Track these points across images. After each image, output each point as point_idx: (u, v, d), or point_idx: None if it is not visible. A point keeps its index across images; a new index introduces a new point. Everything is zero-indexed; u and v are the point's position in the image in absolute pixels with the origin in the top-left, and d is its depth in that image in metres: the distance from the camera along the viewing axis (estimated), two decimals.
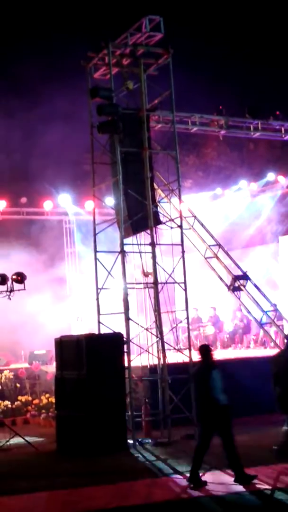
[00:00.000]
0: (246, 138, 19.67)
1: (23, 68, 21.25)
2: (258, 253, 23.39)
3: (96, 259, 14.56)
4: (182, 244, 14.55)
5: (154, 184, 14.86)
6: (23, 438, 13.00)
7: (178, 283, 14.51)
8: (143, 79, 14.52)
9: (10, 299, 13.71)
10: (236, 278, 16.16)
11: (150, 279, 14.37)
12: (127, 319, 13.65)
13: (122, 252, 13.92)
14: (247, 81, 24.13)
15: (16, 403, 16.55)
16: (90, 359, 12.50)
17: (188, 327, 14.92)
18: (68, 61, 18.22)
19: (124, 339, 13.17)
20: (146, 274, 14.77)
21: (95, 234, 14.82)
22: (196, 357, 14.71)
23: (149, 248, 14.29)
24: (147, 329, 14.53)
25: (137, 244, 14.71)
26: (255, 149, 22.74)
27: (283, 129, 19.03)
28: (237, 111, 18.65)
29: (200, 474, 9.71)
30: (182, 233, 14.67)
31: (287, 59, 24.18)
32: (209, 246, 16.59)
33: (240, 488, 9.23)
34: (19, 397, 16.78)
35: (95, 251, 14.66)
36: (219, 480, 9.71)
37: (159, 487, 9.47)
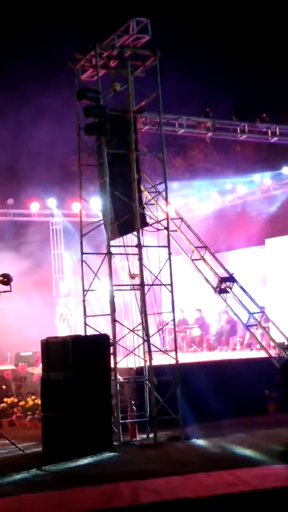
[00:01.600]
0: (233, 140, 19.70)
1: (11, 68, 21.26)
2: (244, 255, 23.47)
3: (82, 260, 14.57)
4: (168, 246, 14.58)
5: (141, 186, 14.88)
6: (9, 440, 12.98)
7: (165, 285, 14.53)
8: (130, 81, 14.53)
9: None
10: (222, 280, 16.20)
11: (137, 281, 14.39)
12: (113, 320, 13.66)
13: (109, 254, 13.93)
14: (234, 84, 24.23)
15: (1, 405, 16.52)
16: (76, 361, 12.50)
17: (174, 329, 14.94)
18: (56, 62, 18.23)
19: (111, 340, 13.18)
20: (132, 276, 14.79)
21: (81, 236, 14.82)
22: (182, 358, 14.78)
23: (135, 250, 14.30)
24: (133, 331, 14.54)
25: (124, 246, 14.72)
26: (242, 151, 22.81)
27: (269, 132, 19.11)
28: (224, 114, 18.71)
29: None
30: (168, 235, 14.70)
31: (272, 62, 24.28)
32: (196, 248, 16.61)
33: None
34: (5, 399, 16.75)
35: (82, 253, 14.66)
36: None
37: (144, 489, 9.48)
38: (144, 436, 13.43)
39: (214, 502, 8.58)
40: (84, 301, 14.46)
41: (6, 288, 13.54)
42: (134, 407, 13.80)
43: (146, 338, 14.04)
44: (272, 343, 16.88)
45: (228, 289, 16.12)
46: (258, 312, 16.71)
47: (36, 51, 22.78)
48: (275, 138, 19.20)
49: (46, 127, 20.70)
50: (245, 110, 18.79)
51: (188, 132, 18.56)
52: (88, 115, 13.83)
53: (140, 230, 14.24)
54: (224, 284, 16.16)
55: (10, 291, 13.57)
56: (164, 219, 14.82)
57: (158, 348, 15.20)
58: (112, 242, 14.22)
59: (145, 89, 14.96)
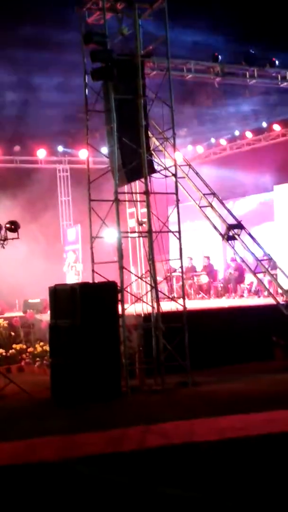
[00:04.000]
0: (242, 85, 19.40)
1: (16, 13, 20.86)
2: (253, 202, 23.37)
3: (90, 207, 14.50)
4: (176, 193, 14.48)
5: (149, 132, 14.71)
6: (18, 386, 13.10)
7: (173, 232, 14.48)
8: (137, 24, 14.25)
9: (3, 247, 13.67)
10: (230, 227, 16.13)
11: (144, 228, 14.33)
12: (121, 267, 13.64)
13: (116, 201, 13.85)
14: (244, 28, 23.75)
15: (10, 351, 16.63)
16: (84, 308, 12.53)
17: (182, 276, 14.94)
18: (62, 5, 17.86)
19: (118, 287, 13.18)
20: (140, 223, 14.74)
21: (89, 183, 14.72)
22: (190, 305, 14.80)
23: (143, 197, 14.21)
24: (141, 278, 14.54)
25: (131, 193, 14.62)
26: (250, 96, 22.49)
27: (279, 76, 18.81)
28: (233, 58, 18.39)
29: None
30: (176, 181, 14.58)
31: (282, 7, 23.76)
32: (204, 195, 16.51)
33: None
34: (14, 346, 16.86)
35: (89, 200, 14.58)
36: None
37: (152, 433, 9.57)
38: (152, 382, 13.52)
39: (222, 446, 8.65)
40: (92, 248, 14.42)
41: (14, 235, 13.52)
42: (142, 354, 13.87)
43: (154, 285, 14.04)
44: (280, 290, 16.89)
45: (236, 236, 16.07)
46: (266, 259, 16.69)
47: None
48: (285, 83, 18.91)
49: (52, 72, 20.42)
50: (255, 55, 18.46)
51: (196, 77, 18.28)
52: (95, 60, 13.60)
53: (148, 177, 14.12)
54: (232, 231, 16.11)
55: (18, 238, 13.55)
56: (172, 166, 14.68)
57: (166, 295, 15.23)
58: (120, 189, 14.12)
59: (152, 32, 14.67)
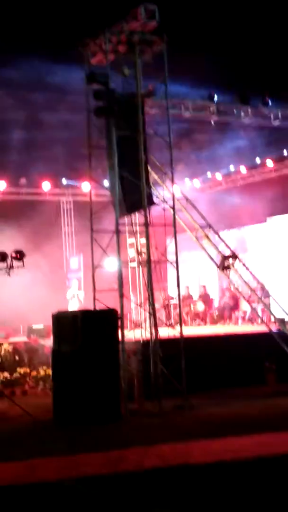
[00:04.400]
0: (236, 124, 19.56)
1: (23, 50, 21.05)
2: (247, 233, 23.41)
3: (92, 238, 14.53)
4: (174, 225, 14.53)
5: (148, 167, 14.80)
6: (21, 408, 13.03)
7: (171, 262, 14.51)
8: (138, 65, 14.41)
9: (9, 275, 13.68)
10: (225, 257, 16.15)
11: (144, 257, 14.35)
12: (121, 295, 13.64)
13: (117, 232, 13.88)
14: (239, 68, 23.99)
15: (15, 374, 16.56)
16: (86, 334, 12.52)
17: (179, 304, 14.93)
18: (66, 47, 18.04)
19: (118, 315, 13.16)
20: (139, 253, 14.77)
21: (91, 214, 14.76)
22: (187, 332, 14.76)
23: (143, 228, 14.25)
24: (140, 305, 14.53)
25: (132, 224, 14.67)
26: (245, 134, 22.67)
27: (272, 115, 18.96)
28: (229, 97, 18.55)
29: None
30: (174, 214, 14.64)
31: (274, 44, 24.03)
32: (200, 226, 16.55)
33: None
34: (18, 369, 16.79)
35: (92, 231, 14.61)
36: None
37: (149, 455, 9.51)
38: (150, 405, 13.45)
39: (217, 467, 8.59)
40: (93, 276, 14.44)
41: (19, 263, 13.55)
42: (140, 378, 13.81)
43: (153, 312, 14.03)
44: (272, 318, 16.87)
45: (231, 266, 16.09)
46: (259, 289, 16.70)
47: (47, 35, 22.53)
48: (277, 122, 19.05)
49: (56, 109, 20.54)
50: (249, 94, 18.63)
51: (193, 115, 18.42)
52: (98, 98, 13.74)
53: (147, 209, 14.18)
54: (227, 261, 16.12)
55: (23, 266, 13.57)
56: (170, 199, 14.75)
57: (163, 322, 15.20)
58: (121, 221, 14.17)
59: (152, 72, 14.81)
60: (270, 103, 18.77)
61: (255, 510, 6.76)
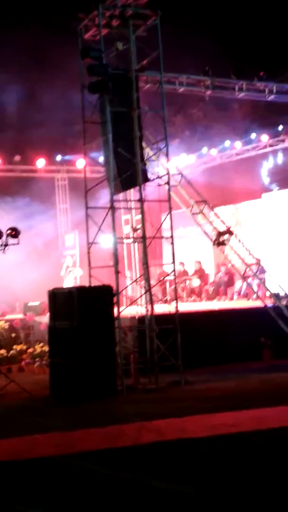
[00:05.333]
0: (231, 98, 19.42)
1: (18, 27, 20.90)
2: (242, 209, 23.40)
3: (87, 214, 14.50)
4: (169, 201, 14.51)
5: (143, 143, 14.74)
6: (18, 385, 13.08)
7: (166, 238, 14.49)
8: (132, 40, 14.30)
9: (5, 253, 13.66)
10: (220, 233, 16.15)
11: (139, 234, 14.35)
12: (117, 272, 13.64)
13: (112, 208, 13.86)
14: (233, 42, 23.82)
15: (11, 352, 16.62)
16: (82, 310, 12.54)
17: (174, 280, 14.95)
18: (60, 21, 17.88)
19: (114, 291, 13.18)
20: (134, 229, 14.76)
21: (86, 191, 14.73)
22: (182, 308, 14.81)
23: (138, 205, 14.22)
24: (135, 282, 14.55)
25: (126, 201, 14.63)
26: (239, 109, 22.55)
27: (266, 90, 18.81)
28: (223, 72, 18.39)
29: None
30: (169, 190, 14.61)
31: (271, 20, 23.85)
32: (195, 202, 16.52)
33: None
34: (14, 346, 16.85)
35: (86, 207, 14.58)
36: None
37: (147, 430, 9.56)
38: (146, 381, 13.51)
39: (214, 442, 8.65)
40: (88, 253, 14.44)
41: (15, 241, 13.51)
42: (136, 354, 13.87)
43: (148, 289, 14.05)
44: (268, 293, 16.91)
45: (226, 242, 16.09)
46: (254, 264, 16.72)
47: (41, 10, 22.33)
48: (272, 96, 18.92)
49: (50, 86, 20.42)
50: (243, 68, 18.48)
51: (188, 90, 18.28)
52: (92, 74, 13.64)
53: (142, 185, 14.15)
54: (222, 237, 16.12)
55: (18, 243, 13.54)
56: (165, 175, 14.71)
57: (159, 298, 15.24)
58: (116, 197, 14.14)
59: (146, 48, 14.70)
60: (264, 77, 18.58)
61: (252, 484, 6.81)
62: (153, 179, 14.74)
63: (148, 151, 15.39)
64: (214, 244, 16.20)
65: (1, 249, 13.59)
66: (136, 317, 14.61)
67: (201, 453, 8.13)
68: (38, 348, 16.35)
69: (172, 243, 14.33)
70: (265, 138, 23.39)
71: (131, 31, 14.28)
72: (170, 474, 7.31)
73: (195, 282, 22.47)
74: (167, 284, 19.83)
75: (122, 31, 14.39)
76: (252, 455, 7.98)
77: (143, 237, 14.07)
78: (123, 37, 14.38)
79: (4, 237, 13.48)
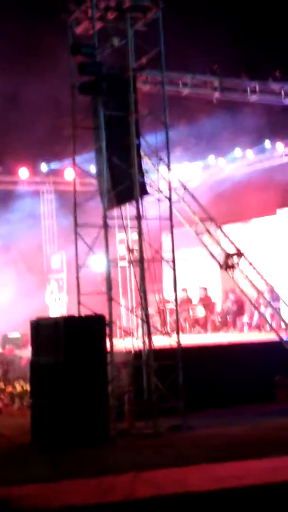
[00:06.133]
0: (242, 101, 19.61)
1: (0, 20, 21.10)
2: (254, 227, 23.49)
3: (76, 233, 14.58)
4: (170, 218, 14.60)
5: (141, 152, 14.86)
6: None
7: (166, 261, 14.57)
8: (130, 35, 14.45)
9: None
10: (229, 255, 16.24)
11: (136, 256, 14.42)
12: (110, 299, 13.70)
13: (105, 226, 13.94)
14: (244, 39, 24.05)
15: None
16: (69, 343, 12.58)
17: (176, 309, 15.00)
18: (47, 13, 18.08)
19: (107, 321, 13.23)
20: (131, 250, 14.82)
21: (75, 206, 14.82)
22: (185, 341, 14.85)
23: (134, 222, 14.31)
24: (131, 311, 14.60)
25: (122, 217, 14.72)
26: (252, 113, 22.72)
27: (282, 92, 19.01)
28: (233, 71, 18.59)
29: None
30: (171, 205, 14.70)
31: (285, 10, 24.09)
32: (200, 220, 16.63)
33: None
34: None
35: (75, 225, 14.67)
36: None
37: (141, 482, 9.58)
38: (143, 425, 13.52)
39: (219, 496, 8.66)
40: (77, 277, 14.49)
41: None
42: (132, 394, 13.88)
43: (146, 319, 14.10)
44: (283, 325, 16.96)
45: (236, 265, 16.17)
46: (268, 291, 16.79)
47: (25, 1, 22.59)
48: None
49: (36, 85, 20.58)
50: (256, 67, 18.68)
51: (193, 93, 18.47)
52: (83, 73, 13.78)
53: (140, 200, 14.24)
54: (231, 259, 16.20)
55: None
56: (166, 188, 14.81)
57: (158, 329, 15.28)
58: (109, 214, 14.23)
59: (146, 44, 14.86)
60: (280, 77, 18.80)
61: None
62: (153, 193, 14.83)
63: (146, 161, 15.52)
64: (221, 267, 16.27)
65: None
66: (132, 351, 14.64)
67: (204, 510, 8.15)
68: (18, 386, 16.36)
69: (174, 267, 14.40)
70: (280, 146, 23.56)
71: (128, 25, 14.43)
72: None
73: (200, 311, 22.52)
74: (168, 313, 19.90)
75: (119, 25, 14.56)
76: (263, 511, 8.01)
77: (141, 260, 14.13)
78: (120, 32, 14.54)
79: None
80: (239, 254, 16.32)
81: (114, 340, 13.66)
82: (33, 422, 13.07)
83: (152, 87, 16.62)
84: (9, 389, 16.56)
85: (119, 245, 16.75)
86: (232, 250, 16.38)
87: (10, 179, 24.08)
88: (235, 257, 16.22)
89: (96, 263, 14.81)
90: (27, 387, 15.04)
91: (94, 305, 13.98)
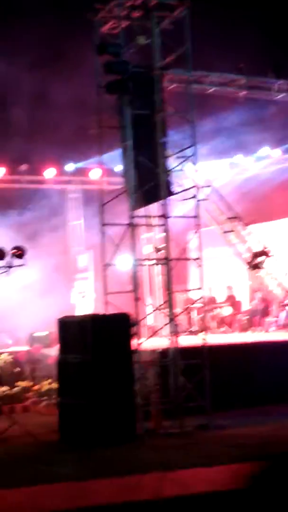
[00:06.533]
0: (268, 100, 19.53)
1: (28, 20, 21.18)
2: (281, 227, 23.37)
3: (103, 232, 14.58)
4: (197, 217, 14.56)
5: (168, 151, 14.82)
6: (23, 427, 13.11)
7: (193, 260, 14.52)
8: (156, 33, 14.43)
9: (8, 275, 13.75)
10: (256, 254, 16.17)
11: (162, 254, 14.39)
12: (136, 298, 13.68)
13: (132, 225, 13.92)
14: (270, 36, 23.94)
15: (14, 389, 16.66)
16: (96, 342, 12.58)
17: (203, 308, 14.95)
18: (74, 13, 18.09)
19: (133, 320, 13.21)
20: (157, 250, 14.81)
21: (102, 205, 14.82)
22: (211, 340, 14.80)
23: (161, 221, 14.29)
24: (158, 309, 14.58)
25: (148, 217, 14.71)
26: (278, 112, 22.63)
27: None
28: (260, 70, 18.51)
29: None
30: (197, 204, 14.66)
31: None
32: (227, 219, 16.58)
33: None
34: (18, 383, 16.90)
35: (102, 224, 14.66)
36: None
37: (169, 481, 9.54)
38: (169, 424, 13.49)
39: (247, 495, 8.60)
40: (105, 276, 14.49)
41: (20, 262, 13.60)
42: (158, 393, 13.85)
43: (172, 318, 14.07)
44: None
45: (262, 265, 16.10)
46: None
47: (54, 2, 22.66)
48: None
49: (62, 85, 20.63)
50: (283, 65, 18.60)
51: (219, 91, 18.41)
52: (110, 72, 13.80)
53: (166, 199, 14.21)
54: (258, 258, 16.14)
55: (24, 265, 13.63)
56: (193, 187, 14.77)
57: (184, 328, 15.24)
58: (136, 212, 14.22)
59: (172, 43, 14.82)
60: None
61: None
62: (179, 192, 14.80)
63: (173, 160, 15.48)
64: (248, 267, 16.22)
65: (4, 271, 13.69)
66: (158, 350, 14.62)
67: (232, 509, 8.10)
68: (45, 385, 16.39)
69: (200, 266, 14.36)
70: None
71: (154, 23, 14.42)
72: None
73: (226, 311, 22.44)
74: (194, 312, 19.84)
75: (145, 23, 14.54)
76: None
77: (167, 259, 14.11)
78: (146, 30, 14.52)
79: (8, 257, 13.58)
80: (266, 253, 16.26)
81: (141, 339, 13.63)
82: (60, 421, 13.09)
83: (178, 86, 16.55)
84: (37, 387, 16.59)
85: (145, 245, 16.74)
86: (258, 250, 16.32)
87: (37, 178, 24.14)
88: (262, 256, 16.17)
89: (123, 262, 14.80)
90: (55, 385, 15.07)
91: (120, 304, 13.97)
